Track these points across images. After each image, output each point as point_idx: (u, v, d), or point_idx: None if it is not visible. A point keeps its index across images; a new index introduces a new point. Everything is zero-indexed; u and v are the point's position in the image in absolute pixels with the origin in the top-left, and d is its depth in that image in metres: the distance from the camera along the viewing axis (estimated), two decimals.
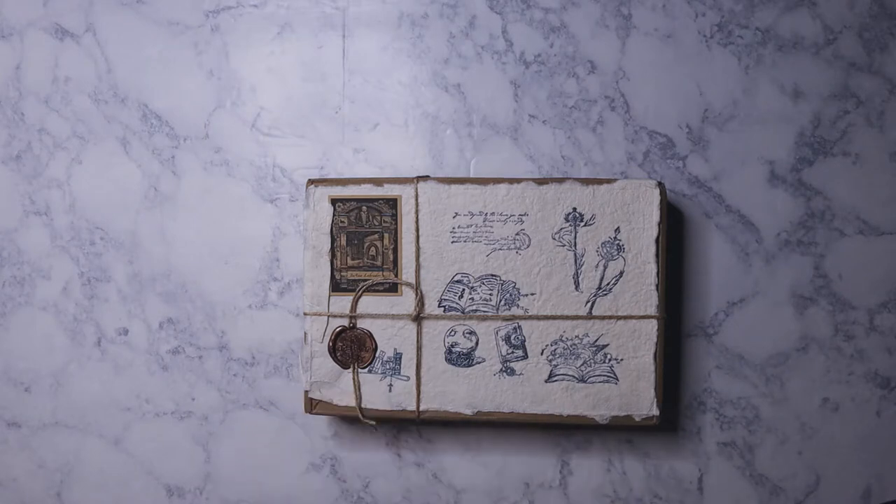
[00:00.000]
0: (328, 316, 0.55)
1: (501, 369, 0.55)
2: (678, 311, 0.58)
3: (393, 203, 0.55)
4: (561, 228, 0.54)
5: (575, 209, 0.54)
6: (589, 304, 0.54)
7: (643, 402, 0.54)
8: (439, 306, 0.55)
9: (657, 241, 0.54)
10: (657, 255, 0.54)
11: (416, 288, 0.54)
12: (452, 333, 0.55)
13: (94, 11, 0.61)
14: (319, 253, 0.55)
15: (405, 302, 0.55)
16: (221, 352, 0.60)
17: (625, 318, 0.54)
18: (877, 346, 0.58)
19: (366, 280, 0.55)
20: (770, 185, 0.58)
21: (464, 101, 0.59)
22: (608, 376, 0.54)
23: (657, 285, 0.54)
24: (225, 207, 0.60)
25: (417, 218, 0.55)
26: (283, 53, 0.60)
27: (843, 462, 0.58)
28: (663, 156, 0.58)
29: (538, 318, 0.54)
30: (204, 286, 0.60)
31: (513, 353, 0.55)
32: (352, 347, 0.55)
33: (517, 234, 0.54)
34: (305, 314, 0.55)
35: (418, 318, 0.55)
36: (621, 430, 0.59)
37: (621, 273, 0.54)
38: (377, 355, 0.55)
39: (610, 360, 0.54)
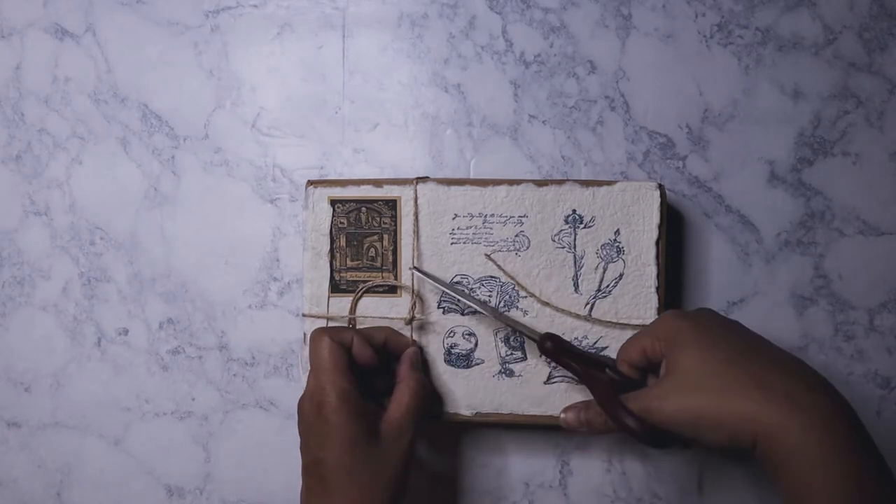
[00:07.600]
0: (327, 318, 0.55)
1: (500, 371, 0.55)
2: None
3: (392, 204, 0.55)
4: (560, 230, 0.54)
5: (574, 211, 0.54)
6: (588, 306, 0.54)
7: None
8: (438, 308, 0.55)
9: (657, 243, 0.54)
10: (657, 258, 0.54)
11: (413, 292, 0.54)
12: (451, 335, 0.55)
13: (94, 11, 0.61)
14: (318, 254, 0.55)
15: (405, 304, 0.55)
16: (221, 352, 0.61)
17: (624, 320, 0.54)
18: (877, 346, 0.58)
19: (366, 282, 0.55)
20: (770, 185, 0.58)
21: (464, 101, 0.59)
22: None
23: (657, 288, 0.54)
24: (225, 207, 0.60)
25: (417, 219, 0.54)
26: (283, 53, 0.60)
27: None
28: (663, 156, 0.58)
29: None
30: (204, 286, 0.61)
31: (512, 354, 0.55)
32: None
33: (517, 235, 0.54)
34: (304, 315, 0.55)
35: (412, 322, 0.54)
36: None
37: (621, 275, 0.54)
38: None
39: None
